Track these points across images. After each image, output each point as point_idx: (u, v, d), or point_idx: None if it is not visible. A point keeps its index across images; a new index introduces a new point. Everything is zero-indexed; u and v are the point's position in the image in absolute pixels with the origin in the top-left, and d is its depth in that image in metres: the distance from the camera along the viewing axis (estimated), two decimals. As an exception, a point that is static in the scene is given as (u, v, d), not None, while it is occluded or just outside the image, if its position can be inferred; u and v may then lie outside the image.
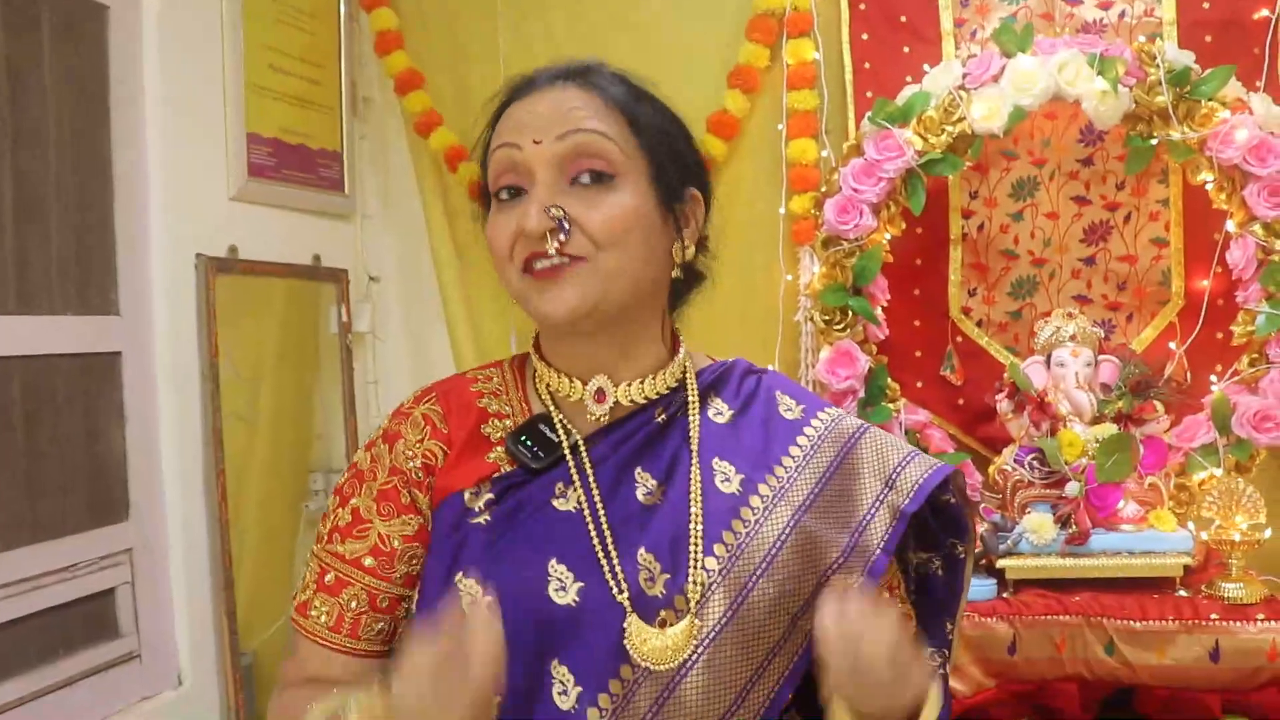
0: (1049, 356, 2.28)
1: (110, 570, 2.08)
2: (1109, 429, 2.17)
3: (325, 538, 1.14)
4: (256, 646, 2.40)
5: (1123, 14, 2.43)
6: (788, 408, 1.21)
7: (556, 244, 1.05)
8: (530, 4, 2.74)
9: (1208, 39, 2.38)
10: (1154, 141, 2.25)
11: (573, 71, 1.15)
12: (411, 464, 1.14)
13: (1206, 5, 2.39)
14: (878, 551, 1.13)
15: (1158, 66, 2.21)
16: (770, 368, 1.29)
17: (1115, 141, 2.42)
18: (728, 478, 1.13)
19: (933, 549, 1.25)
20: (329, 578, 1.12)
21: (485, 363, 1.27)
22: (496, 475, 1.13)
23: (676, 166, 1.15)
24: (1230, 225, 2.25)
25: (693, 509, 1.10)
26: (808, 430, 1.19)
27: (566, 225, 1.05)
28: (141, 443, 2.15)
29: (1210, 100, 2.20)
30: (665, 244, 1.13)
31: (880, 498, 1.16)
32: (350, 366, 2.77)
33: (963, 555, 1.22)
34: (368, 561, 1.11)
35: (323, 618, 1.11)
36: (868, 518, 1.14)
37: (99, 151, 2.11)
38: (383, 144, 2.92)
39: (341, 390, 2.74)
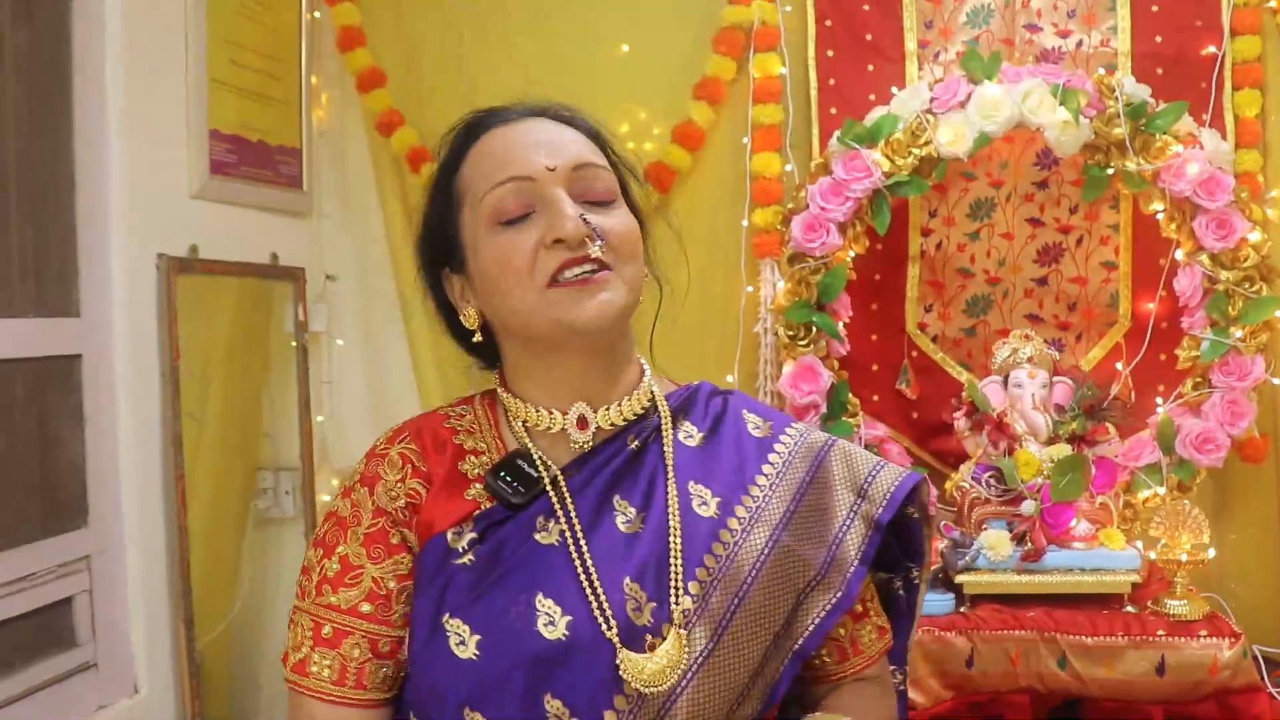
0: (1006, 377, 2.35)
1: (68, 578, 2.02)
2: (1063, 449, 2.24)
3: (314, 591, 1.12)
4: (202, 647, 2.35)
5: (1080, 43, 2.50)
6: (755, 425, 1.25)
7: (598, 248, 1.09)
8: (492, 7, 2.72)
9: (1159, 71, 2.47)
10: (1110, 171, 2.33)
11: (547, 109, 1.20)
12: (396, 504, 1.15)
13: (1159, 39, 2.48)
14: (855, 563, 1.17)
15: (1116, 99, 2.28)
16: (734, 388, 1.33)
17: (1070, 167, 2.49)
18: (704, 501, 1.16)
19: (893, 571, 1.30)
20: (326, 630, 1.10)
21: (453, 400, 1.28)
22: (478, 513, 1.14)
23: (637, 201, 1.22)
24: (1179, 254, 2.34)
25: (673, 535, 1.13)
26: (778, 447, 1.23)
27: (599, 232, 1.10)
28: (100, 447, 2.09)
29: (1164, 134, 2.29)
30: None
31: (854, 508, 1.20)
32: (305, 366, 2.73)
33: (918, 581, 1.28)
34: (365, 608, 1.10)
35: (325, 672, 1.09)
36: (843, 530, 1.19)
37: (60, 147, 2.04)
38: (342, 141, 2.86)
39: (296, 390, 2.70)
